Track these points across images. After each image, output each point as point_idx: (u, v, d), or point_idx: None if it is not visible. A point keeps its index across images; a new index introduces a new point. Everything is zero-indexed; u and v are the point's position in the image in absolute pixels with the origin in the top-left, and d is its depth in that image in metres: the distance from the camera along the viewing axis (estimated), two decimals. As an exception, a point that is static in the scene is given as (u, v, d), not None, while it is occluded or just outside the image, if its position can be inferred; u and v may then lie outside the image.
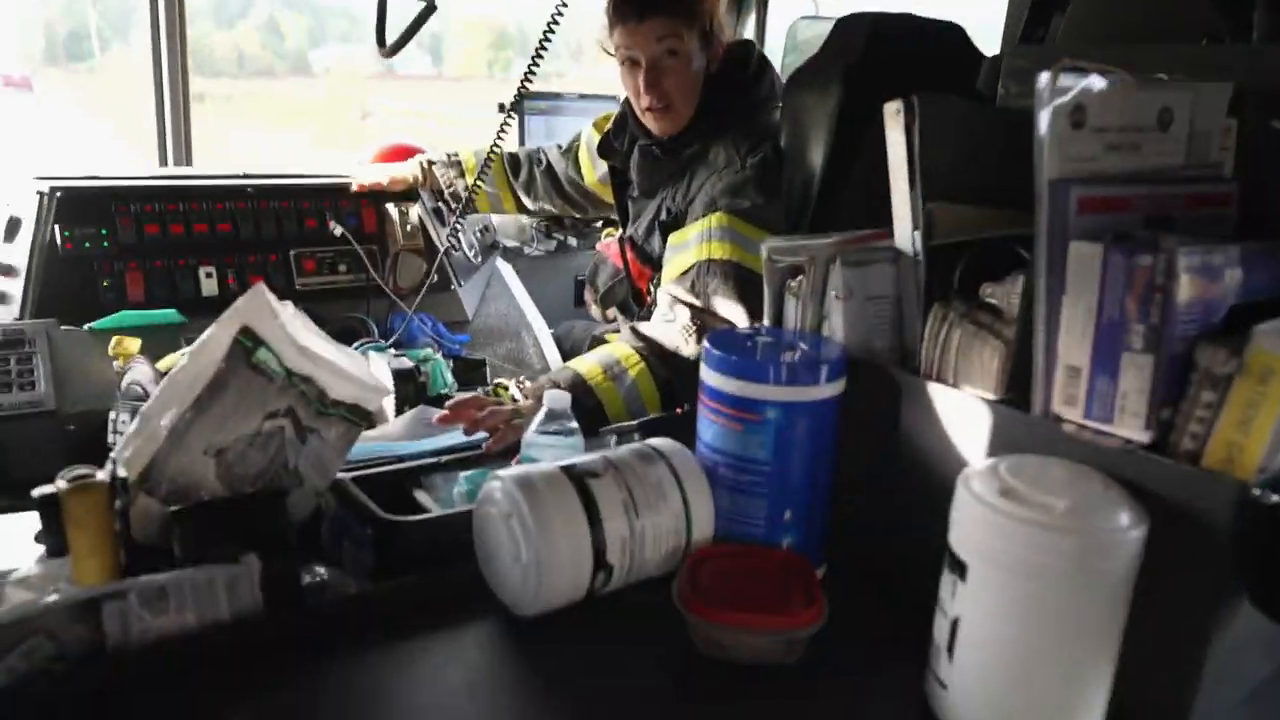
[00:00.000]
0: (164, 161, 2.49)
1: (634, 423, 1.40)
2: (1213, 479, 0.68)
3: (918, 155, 0.95)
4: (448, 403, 1.39)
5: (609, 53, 1.77)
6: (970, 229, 0.95)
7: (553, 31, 1.71)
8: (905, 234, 0.97)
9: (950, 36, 1.49)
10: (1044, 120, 0.76)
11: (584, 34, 1.97)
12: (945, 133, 0.96)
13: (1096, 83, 0.79)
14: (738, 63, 1.76)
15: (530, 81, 1.76)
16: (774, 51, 2.98)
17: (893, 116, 0.98)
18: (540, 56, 1.72)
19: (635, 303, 1.96)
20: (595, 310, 2.17)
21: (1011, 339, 0.84)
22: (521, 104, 2.95)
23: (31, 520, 1.21)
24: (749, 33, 2.87)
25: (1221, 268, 0.74)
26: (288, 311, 1.05)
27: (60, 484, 0.86)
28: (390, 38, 1.63)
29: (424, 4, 1.43)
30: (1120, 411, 0.73)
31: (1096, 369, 0.74)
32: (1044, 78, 0.76)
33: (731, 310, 1.53)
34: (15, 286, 1.78)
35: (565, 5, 1.64)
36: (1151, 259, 0.70)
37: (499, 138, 1.98)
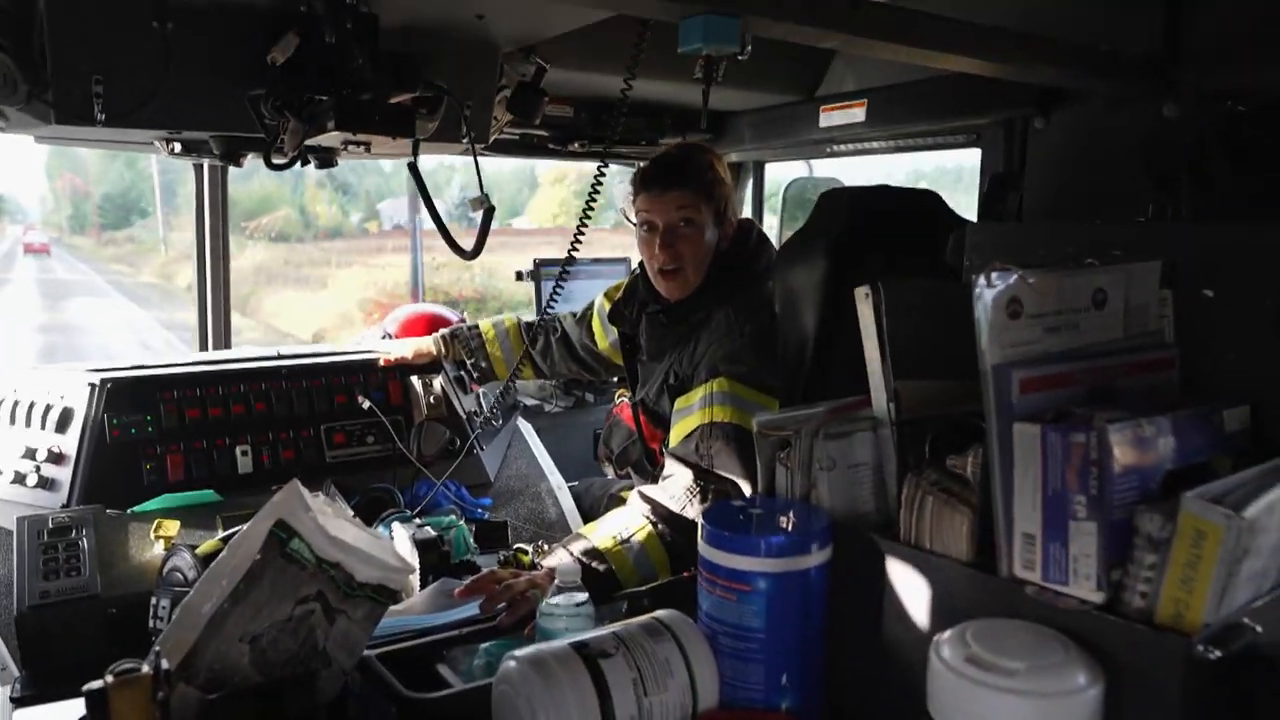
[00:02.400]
0: (204, 346, 2.65)
1: (644, 589, 1.46)
2: (1159, 637, 0.74)
3: (887, 335, 1.05)
4: (467, 581, 1.46)
5: (630, 221, 1.93)
6: (937, 403, 1.03)
7: (593, 203, 1.87)
8: (882, 405, 1.06)
9: (925, 204, 1.61)
10: (982, 313, 0.86)
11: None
12: (911, 312, 1.06)
13: (1031, 274, 0.89)
14: (740, 238, 1.91)
15: (577, 248, 1.88)
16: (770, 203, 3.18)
17: (863, 299, 1.08)
18: (583, 232, 1.87)
19: (649, 463, 2.04)
20: (609, 469, 2.25)
21: (977, 507, 0.91)
22: (539, 271, 3.16)
23: (74, 708, 1.27)
24: (747, 197, 3.07)
25: (1153, 438, 0.82)
26: (318, 501, 1.14)
27: (108, 678, 0.93)
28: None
29: (484, 207, 1.60)
30: (1074, 574, 0.80)
31: (1048, 536, 0.81)
32: (979, 278, 0.86)
33: (734, 471, 1.61)
34: (63, 473, 1.89)
35: (603, 175, 1.80)
36: (1085, 436, 0.78)
37: (546, 312, 2.11)
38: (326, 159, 1.75)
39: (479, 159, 1.77)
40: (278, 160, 1.56)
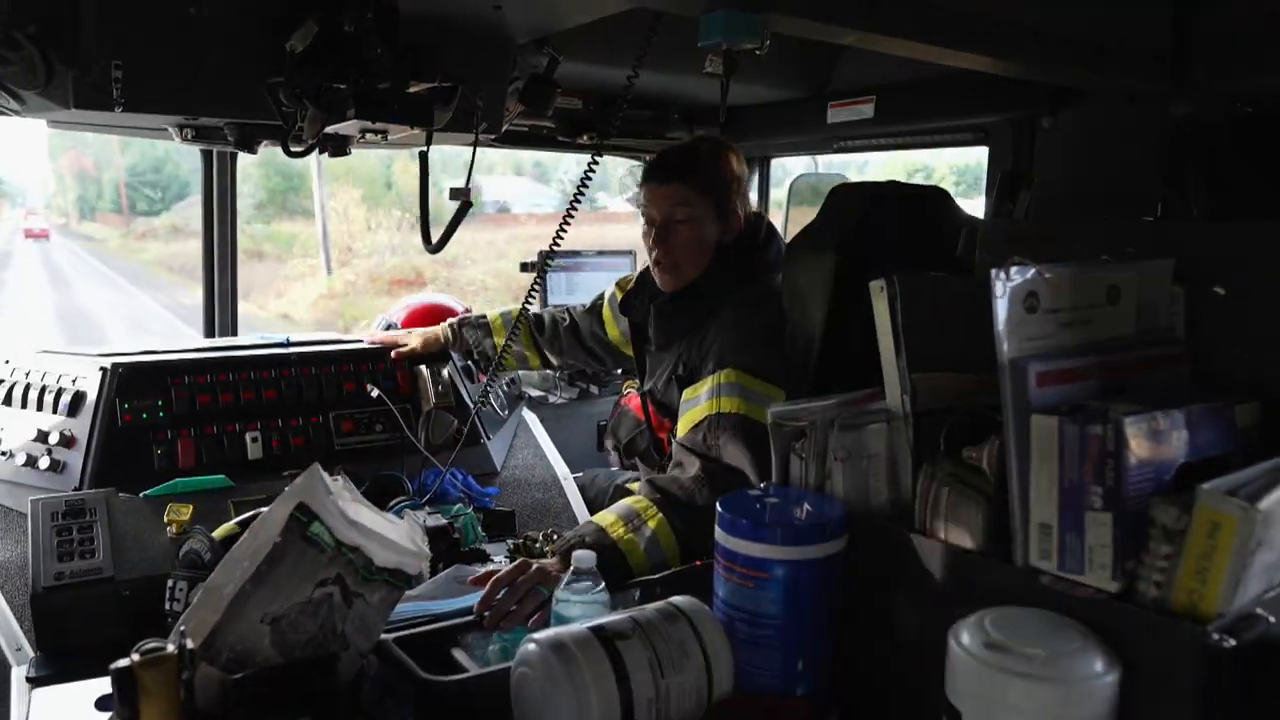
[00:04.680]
0: (210, 333, 2.66)
1: (657, 577, 1.47)
2: (1174, 626, 0.75)
3: (901, 328, 1.06)
4: (480, 571, 1.48)
5: (639, 209, 1.95)
6: (952, 395, 1.05)
7: (582, 193, 1.88)
8: (896, 398, 1.08)
9: (935, 201, 1.62)
10: (1000, 308, 0.88)
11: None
12: (926, 305, 1.07)
13: (1044, 273, 0.91)
14: (749, 231, 1.92)
15: (560, 241, 1.91)
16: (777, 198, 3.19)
17: (878, 293, 1.09)
18: (569, 219, 1.89)
19: (656, 452, 2.06)
20: (614, 457, 2.26)
21: (993, 497, 0.93)
22: (544, 262, 3.17)
23: (91, 689, 1.29)
24: (754, 189, 3.08)
25: (1168, 431, 0.83)
26: (338, 486, 1.16)
27: (134, 656, 0.95)
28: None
29: (463, 200, 1.60)
30: (1089, 564, 0.81)
31: (1064, 526, 0.83)
32: (998, 272, 0.88)
33: (742, 462, 1.63)
34: (75, 457, 1.90)
35: (596, 165, 1.82)
36: (1101, 428, 0.80)
37: (529, 300, 2.13)
38: (340, 147, 1.76)
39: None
40: (295, 148, 1.57)
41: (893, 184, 1.66)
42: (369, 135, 1.51)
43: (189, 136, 1.78)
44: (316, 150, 1.60)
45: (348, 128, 1.47)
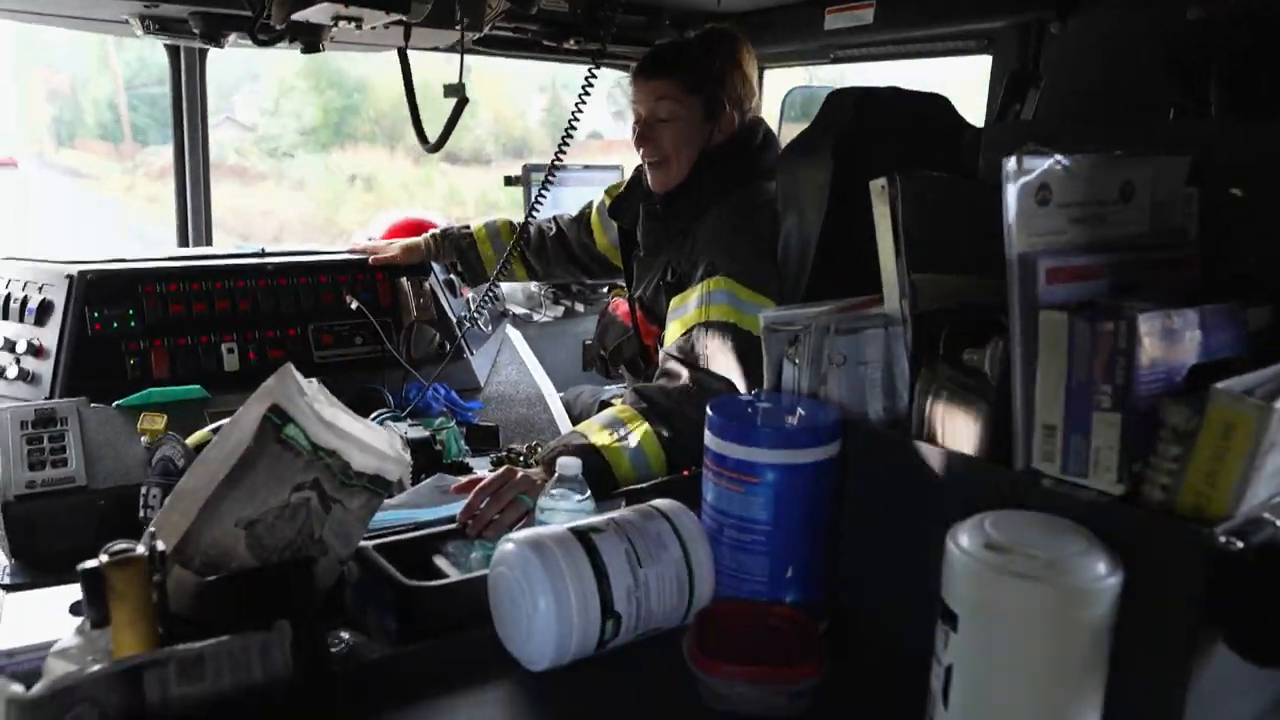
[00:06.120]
0: (184, 242, 2.58)
1: (644, 485, 1.45)
2: (1182, 528, 0.73)
3: (902, 229, 1.02)
4: (462, 479, 1.45)
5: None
6: (953, 297, 1.01)
7: (582, 105, 1.81)
8: (894, 302, 1.04)
9: (935, 107, 1.56)
10: (1011, 199, 0.83)
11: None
12: (927, 207, 1.03)
13: (1060, 161, 0.86)
14: (744, 134, 1.85)
15: (563, 156, 1.85)
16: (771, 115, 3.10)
17: (878, 193, 1.04)
18: (570, 135, 1.82)
19: (643, 360, 2.02)
20: (599, 366, 2.23)
21: (993, 400, 0.89)
22: (529, 176, 3.09)
23: (64, 594, 1.26)
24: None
25: (1181, 330, 0.79)
26: (313, 388, 1.11)
27: (103, 558, 0.91)
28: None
29: (457, 99, 1.53)
30: (1094, 466, 0.78)
31: (1070, 427, 0.80)
32: (1009, 160, 0.83)
33: (729, 370, 1.59)
34: (44, 367, 1.85)
35: (594, 77, 1.74)
36: (1113, 325, 0.76)
37: (531, 214, 2.07)
38: (312, 42, 1.66)
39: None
40: (262, 38, 1.48)
41: (891, 89, 1.59)
42: (342, 24, 1.42)
43: (151, 28, 1.68)
44: (288, 40, 1.51)
45: (319, 14, 1.38)
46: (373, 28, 1.50)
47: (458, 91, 1.51)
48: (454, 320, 2.27)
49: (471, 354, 2.29)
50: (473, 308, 2.31)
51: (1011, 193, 0.82)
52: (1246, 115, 1.28)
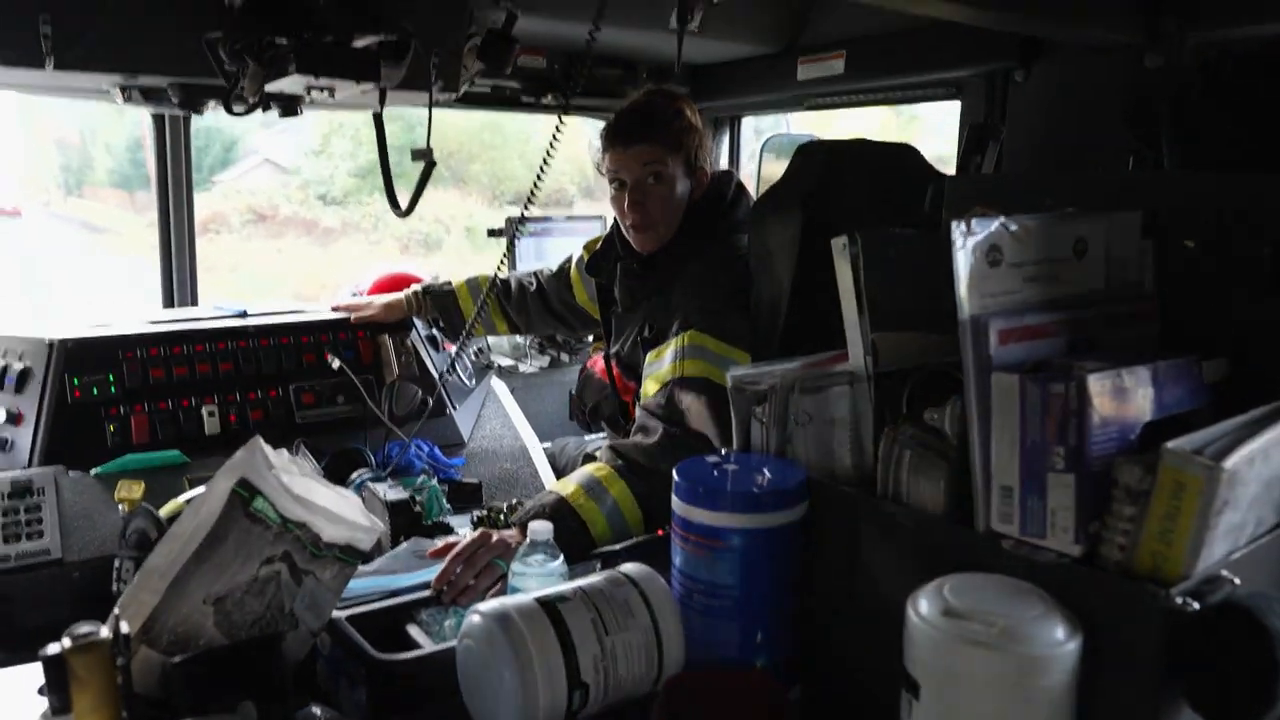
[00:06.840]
0: (169, 303, 2.59)
1: (619, 546, 1.44)
2: (1138, 589, 0.73)
3: (864, 288, 1.02)
4: (439, 543, 1.44)
5: (602, 173, 1.89)
6: (915, 355, 1.02)
7: (549, 159, 1.82)
8: (859, 359, 1.04)
9: (904, 158, 1.58)
10: (961, 263, 0.84)
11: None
12: (890, 264, 1.04)
13: (1007, 225, 0.87)
14: (717, 189, 1.87)
15: (530, 206, 1.85)
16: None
17: (840, 251, 1.05)
18: (538, 186, 1.83)
19: (622, 417, 2.02)
20: (581, 422, 2.22)
21: (954, 461, 0.90)
22: (513, 228, 3.11)
23: (38, 672, 1.25)
24: (724, 152, 3.02)
25: (1133, 388, 0.80)
26: (283, 459, 1.11)
27: (65, 643, 0.90)
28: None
29: (427, 160, 1.54)
30: (1051, 527, 0.79)
31: (1026, 488, 0.80)
32: (958, 225, 0.84)
33: (705, 426, 1.59)
34: (23, 434, 1.84)
35: (561, 129, 1.75)
36: (1064, 386, 0.77)
37: (501, 266, 2.07)
38: (290, 107, 1.69)
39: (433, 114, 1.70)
40: (237, 108, 1.50)
41: (860, 141, 1.61)
42: (315, 93, 1.44)
43: (131, 97, 1.70)
44: (262, 109, 1.53)
45: (292, 85, 1.40)
46: (348, 94, 1.53)
47: (425, 155, 1.53)
48: (437, 376, 2.27)
49: (455, 409, 2.29)
50: (452, 361, 2.31)
51: (961, 258, 0.84)
52: (1199, 165, 1.30)
